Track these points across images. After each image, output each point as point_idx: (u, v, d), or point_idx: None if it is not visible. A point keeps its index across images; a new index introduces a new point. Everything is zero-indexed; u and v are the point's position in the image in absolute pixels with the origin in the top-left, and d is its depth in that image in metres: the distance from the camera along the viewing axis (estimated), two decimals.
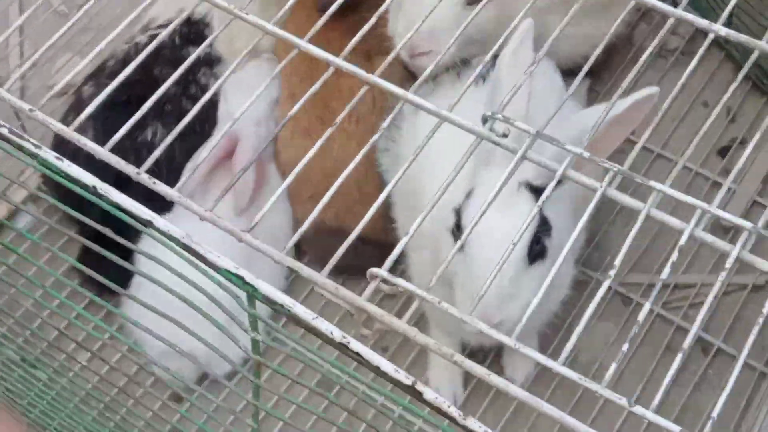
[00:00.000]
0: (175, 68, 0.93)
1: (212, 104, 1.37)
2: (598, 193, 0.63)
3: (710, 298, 0.64)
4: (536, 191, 1.06)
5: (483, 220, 1.07)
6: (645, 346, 1.34)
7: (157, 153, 0.67)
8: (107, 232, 0.64)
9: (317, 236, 1.28)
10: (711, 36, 0.70)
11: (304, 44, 0.73)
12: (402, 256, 1.32)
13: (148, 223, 0.60)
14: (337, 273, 1.39)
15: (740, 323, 1.34)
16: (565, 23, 0.80)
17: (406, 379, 0.56)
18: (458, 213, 1.09)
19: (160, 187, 0.64)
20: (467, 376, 1.35)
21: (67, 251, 1.25)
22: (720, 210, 0.60)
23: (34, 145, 0.62)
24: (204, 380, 1.33)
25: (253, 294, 0.58)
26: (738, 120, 1.50)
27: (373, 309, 0.59)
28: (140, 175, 0.64)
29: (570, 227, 1.19)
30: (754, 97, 1.51)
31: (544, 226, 1.08)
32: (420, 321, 1.29)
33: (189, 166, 1.30)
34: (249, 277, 0.58)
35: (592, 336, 1.34)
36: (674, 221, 0.61)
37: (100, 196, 0.61)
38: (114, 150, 0.77)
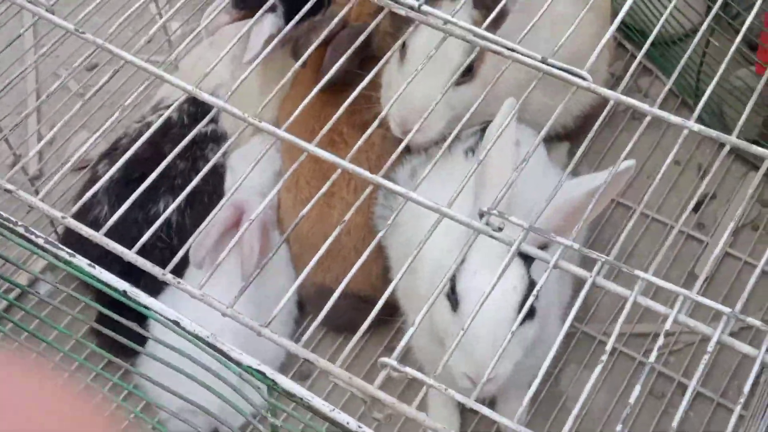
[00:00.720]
0: (186, 147, 0.95)
1: (221, 178, 1.39)
2: (588, 282, 0.65)
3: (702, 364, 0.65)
4: (525, 256, 1.08)
5: (476, 285, 1.10)
6: (628, 387, 1.35)
7: (152, 229, 0.69)
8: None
9: (320, 298, 1.29)
10: (685, 132, 0.72)
11: (312, 148, 0.75)
12: (401, 313, 1.34)
13: (176, 323, 0.61)
14: (341, 330, 1.42)
15: (717, 369, 1.36)
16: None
17: None
18: (453, 278, 1.11)
19: (185, 287, 0.65)
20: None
21: (84, 315, 1.26)
22: (699, 296, 0.62)
23: (68, 253, 0.64)
24: None
25: (273, 387, 0.60)
26: (709, 175, 1.52)
27: (384, 397, 0.60)
28: (165, 275, 0.66)
29: (556, 287, 1.22)
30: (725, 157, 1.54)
31: (532, 289, 1.09)
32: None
33: (197, 237, 1.31)
34: (269, 373, 0.59)
35: (579, 383, 1.35)
36: (659, 307, 0.63)
37: (130, 298, 0.62)
38: (128, 221, 0.78)
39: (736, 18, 1.47)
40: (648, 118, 0.73)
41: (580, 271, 0.66)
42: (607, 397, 1.32)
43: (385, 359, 0.63)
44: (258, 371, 0.60)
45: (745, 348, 0.61)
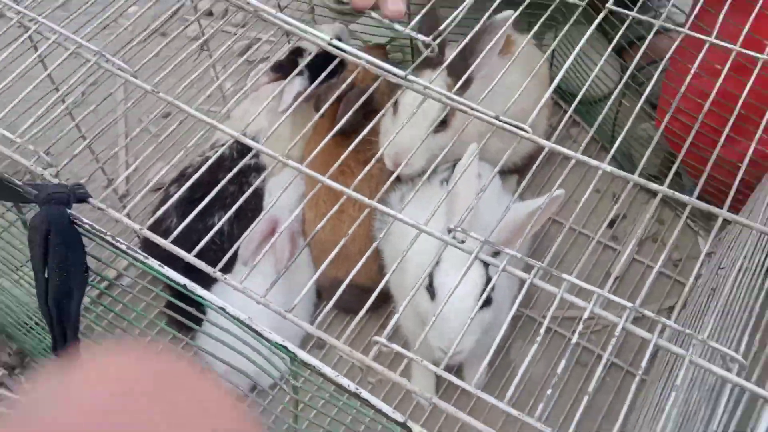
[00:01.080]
0: (235, 175, 0.95)
1: (260, 199, 1.38)
2: (527, 283, 0.65)
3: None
4: (483, 261, 1.08)
5: (447, 281, 1.10)
6: (561, 359, 1.35)
7: (208, 236, 0.69)
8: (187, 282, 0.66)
9: (333, 288, 1.29)
10: (600, 171, 0.72)
11: (325, 180, 0.75)
12: (392, 301, 1.34)
13: (222, 309, 0.61)
14: (348, 312, 1.42)
15: (627, 344, 1.35)
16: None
17: (401, 417, 0.57)
18: (431, 276, 1.11)
19: (229, 282, 0.65)
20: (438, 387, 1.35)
21: (155, 301, 1.25)
22: (609, 293, 0.62)
23: (143, 256, 0.64)
24: (253, 390, 1.33)
25: (293, 358, 0.60)
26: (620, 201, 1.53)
27: (376, 366, 0.60)
28: (215, 273, 0.66)
29: (506, 283, 1.22)
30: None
31: (488, 285, 1.09)
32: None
33: (243, 241, 1.31)
34: (291, 347, 0.59)
35: (523, 354, 1.35)
36: (580, 302, 0.63)
37: (188, 290, 0.62)
38: (191, 230, 0.79)
39: (641, 85, 1.47)
40: (573, 161, 0.73)
41: (522, 274, 0.66)
42: (545, 366, 1.32)
43: (377, 337, 0.63)
44: (282, 346, 0.59)
45: (643, 333, 0.61)
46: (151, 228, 0.72)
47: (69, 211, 0.64)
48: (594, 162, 0.70)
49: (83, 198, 0.66)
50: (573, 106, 0.90)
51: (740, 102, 0.84)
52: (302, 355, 0.59)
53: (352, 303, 0.87)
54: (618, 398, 1.28)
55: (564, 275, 0.63)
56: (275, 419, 1.17)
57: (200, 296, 0.61)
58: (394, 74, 0.80)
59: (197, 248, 0.71)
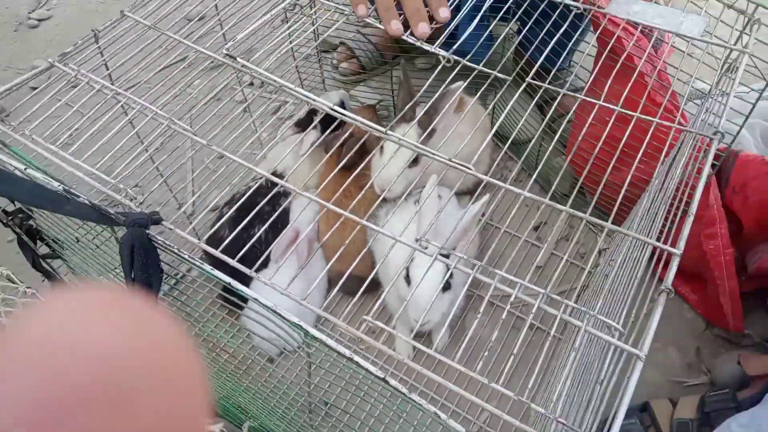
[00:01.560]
0: (269, 199, 0.95)
1: (287, 215, 1.38)
2: (470, 278, 0.65)
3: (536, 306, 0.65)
4: (446, 256, 1.08)
5: (419, 272, 1.10)
6: (503, 326, 1.34)
7: (249, 243, 0.69)
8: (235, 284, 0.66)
9: (339, 278, 1.28)
10: (522, 196, 0.72)
11: (331, 206, 0.75)
12: (381, 287, 1.34)
13: (255, 299, 0.61)
14: (348, 293, 1.42)
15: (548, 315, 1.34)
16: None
17: (380, 373, 0.57)
18: (407, 269, 1.11)
19: (261, 279, 0.65)
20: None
21: (212, 290, 1.24)
22: (530, 284, 0.62)
23: (200, 262, 0.64)
24: (280, 355, 1.32)
25: (306, 333, 0.60)
26: (540, 212, 1.53)
27: (365, 338, 0.60)
28: (252, 273, 0.65)
29: (461, 274, 1.22)
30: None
31: (448, 273, 1.09)
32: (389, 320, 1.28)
33: (275, 246, 1.30)
34: (304, 325, 0.59)
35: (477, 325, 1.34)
36: (508, 289, 0.63)
37: (232, 286, 0.62)
38: (238, 239, 0.79)
39: (555, 131, 1.48)
40: (504, 189, 0.73)
41: (467, 270, 0.65)
42: (489, 332, 1.31)
43: (365, 316, 0.62)
44: (298, 325, 0.59)
45: (552, 311, 0.61)
46: (210, 238, 0.72)
47: (148, 231, 0.64)
48: (517, 190, 0.70)
49: (158, 221, 0.66)
50: (506, 145, 0.90)
51: (622, 143, 0.84)
52: (312, 331, 0.58)
53: (353, 288, 0.86)
54: (542, 354, 1.27)
55: (496, 270, 0.63)
56: (296, 375, 1.17)
57: (240, 290, 0.61)
58: (378, 130, 0.80)
59: (240, 253, 0.71)
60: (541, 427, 0.63)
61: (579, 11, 0.95)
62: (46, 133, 0.80)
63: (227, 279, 0.62)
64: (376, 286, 1.32)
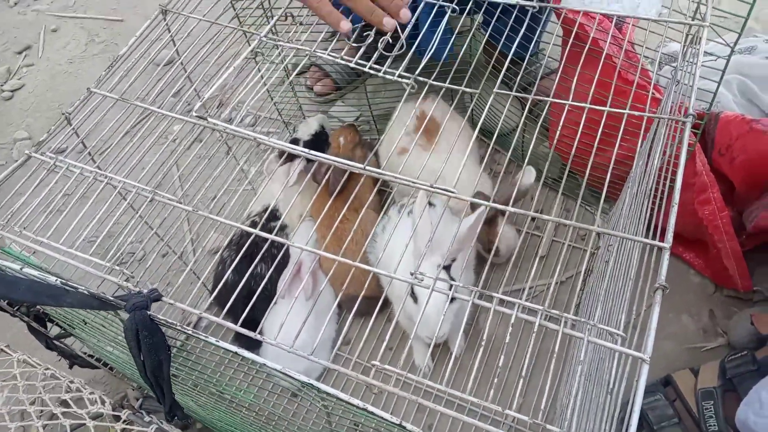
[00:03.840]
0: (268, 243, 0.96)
1: (287, 248, 1.38)
2: (469, 304, 0.65)
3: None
4: (447, 267, 1.09)
5: (424, 290, 1.10)
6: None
7: (257, 292, 0.69)
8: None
9: (349, 301, 1.29)
10: (507, 215, 0.72)
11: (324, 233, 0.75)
12: (390, 305, 1.35)
13: (263, 365, 0.62)
14: (361, 315, 1.42)
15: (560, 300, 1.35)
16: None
17: (396, 420, 0.57)
18: (412, 288, 1.11)
19: (265, 340, 0.65)
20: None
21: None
22: (527, 302, 0.63)
23: (204, 336, 0.65)
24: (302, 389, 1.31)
25: (319, 394, 0.60)
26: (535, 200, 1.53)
27: (378, 384, 0.59)
28: (257, 335, 0.66)
29: (466, 283, 1.22)
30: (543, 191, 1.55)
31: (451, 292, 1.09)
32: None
33: (280, 282, 1.30)
34: (317, 384, 0.59)
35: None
36: (507, 311, 0.63)
37: (238, 353, 0.63)
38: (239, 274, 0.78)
39: (537, 117, 1.48)
40: (486, 206, 0.74)
41: (464, 297, 0.66)
42: (504, 329, 1.31)
43: (376, 362, 0.61)
44: (312, 385, 0.59)
45: (552, 326, 0.61)
46: (216, 285, 0.72)
47: (149, 312, 0.65)
48: (502, 207, 0.71)
49: (157, 299, 0.67)
50: (494, 138, 0.89)
51: (600, 129, 0.84)
52: (324, 388, 0.59)
53: (363, 309, 0.86)
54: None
55: (493, 293, 0.64)
56: (316, 416, 1.16)
57: (252, 358, 0.61)
58: (356, 167, 0.81)
59: (246, 311, 0.71)
60: None
61: (535, 9, 0.95)
62: (36, 225, 0.81)
63: (233, 348, 0.63)
64: (385, 305, 1.32)
